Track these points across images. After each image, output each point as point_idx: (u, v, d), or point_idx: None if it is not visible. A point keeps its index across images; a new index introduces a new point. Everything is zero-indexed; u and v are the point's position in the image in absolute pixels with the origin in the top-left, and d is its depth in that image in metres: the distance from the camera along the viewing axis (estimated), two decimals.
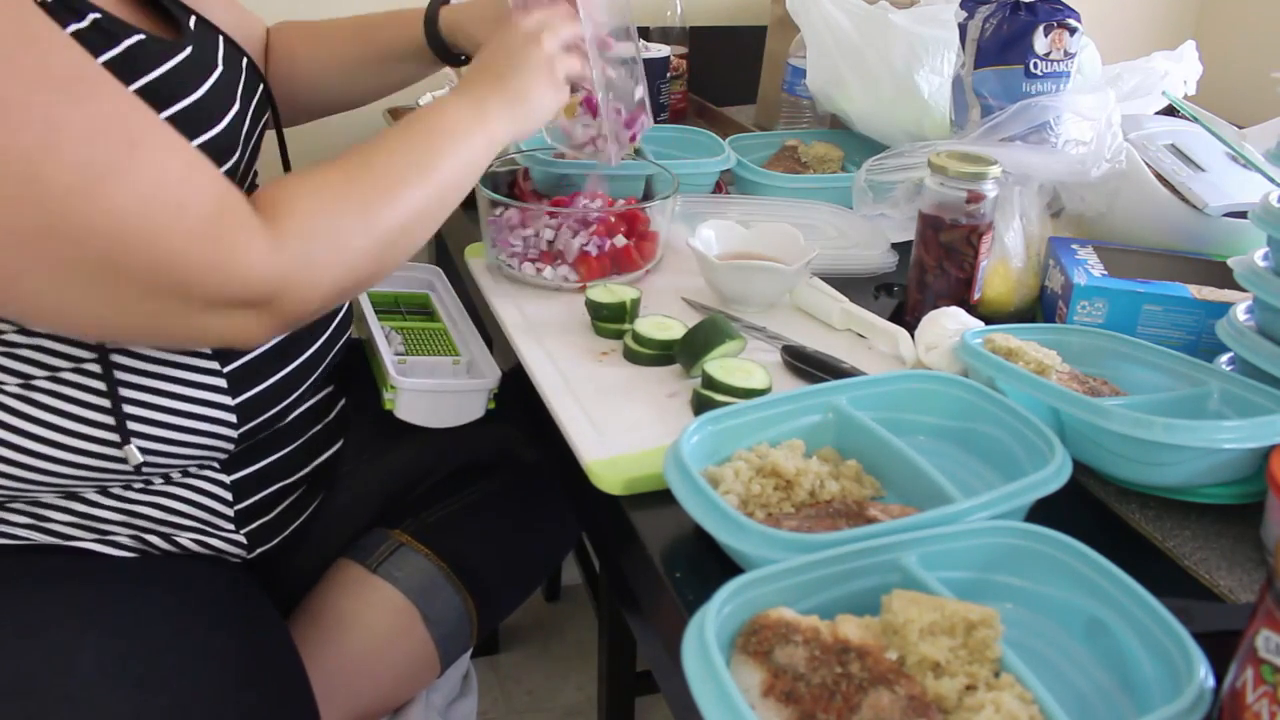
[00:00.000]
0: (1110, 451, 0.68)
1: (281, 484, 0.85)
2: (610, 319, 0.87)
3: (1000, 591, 0.56)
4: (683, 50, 1.57)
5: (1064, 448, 0.63)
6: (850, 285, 0.95)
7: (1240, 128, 1.10)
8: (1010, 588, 0.56)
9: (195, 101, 0.72)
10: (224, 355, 0.75)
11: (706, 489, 0.59)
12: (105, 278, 0.58)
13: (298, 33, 1.05)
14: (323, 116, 1.08)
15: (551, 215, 0.96)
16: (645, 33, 1.57)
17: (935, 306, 0.85)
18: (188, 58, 0.73)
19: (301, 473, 0.87)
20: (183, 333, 0.64)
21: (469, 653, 1.01)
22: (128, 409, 0.71)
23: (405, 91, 1.21)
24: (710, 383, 0.76)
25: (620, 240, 0.96)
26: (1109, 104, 0.98)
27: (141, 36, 0.69)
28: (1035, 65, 1.00)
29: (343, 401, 0.96)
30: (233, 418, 0.76)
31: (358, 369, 0.97)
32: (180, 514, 0.77)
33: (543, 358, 0.84)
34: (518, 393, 0.89)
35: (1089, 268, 0.88)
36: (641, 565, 0.65)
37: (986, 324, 0.81)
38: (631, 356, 0.84)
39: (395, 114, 1.52)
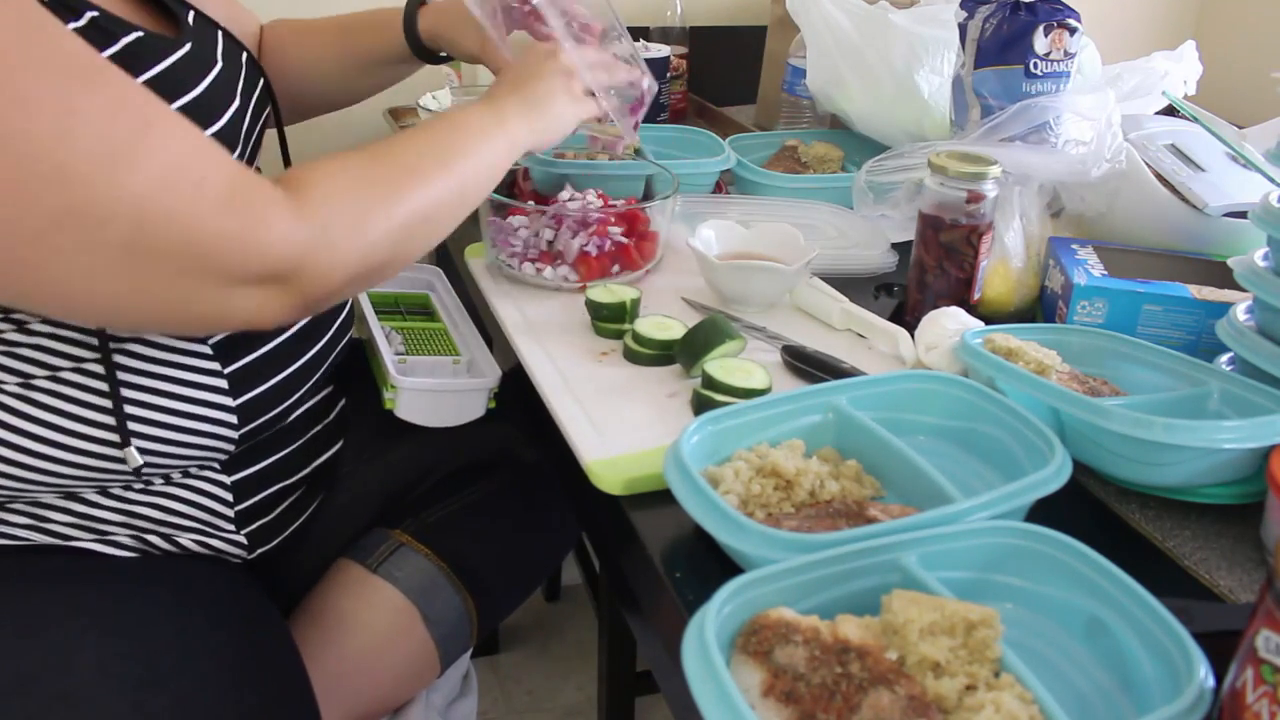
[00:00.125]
0: (1110, 451, 0.68)
1: (282, 484, 0.85)
2: (610, 319, 0.87)
3: (1000, 591, 0.56)
4: (683, 50, 1.57)
5: (1064, 448, 0.63)
6: (850, 285, 0.95)
7: (1240, 128, 1.10)
8: (1010, 588, 0.56)
9: (196, 98, 0.72)
10: (225, 356, 0.75)
11: (706, 489, 0.59)
12: (131, 259, 0.58)
13: (288, 31, 1.05)
14: (317, 115, 1.08)
15: (551, 215, 0.96)
16: (645, 33, 1.58)
17: (935, 306, 0.85)
18: (187, 54, 0.73)
19: (302, 473, 0.87)
20: (209, 311, 0.63)
21: (469, 653, 1.01)
22: (129, 409, 0.71)
23: (405, 91, 1.21)
24: (710, 383, 0.76)
25: (616, 232, 0.96)
26: (1109, 104, 0.98)
27: (140, 33, 0.69)
28: (1035, 65, 1.00)
29: (343, 402, 0.96)
30: (234, 419, 0.76)
31: (358, 369, 0.97)
32: (180, 514, 0.77)
33: (543, 358, 0.84)
34: (518, 393, 0.89)
35: (1089, 268, 0.88)
36: (641, 565, 0.65)
37: (986, 324, 0.81)
38: (631, 356, 0.84)
39: (395, 114, 1.52)
